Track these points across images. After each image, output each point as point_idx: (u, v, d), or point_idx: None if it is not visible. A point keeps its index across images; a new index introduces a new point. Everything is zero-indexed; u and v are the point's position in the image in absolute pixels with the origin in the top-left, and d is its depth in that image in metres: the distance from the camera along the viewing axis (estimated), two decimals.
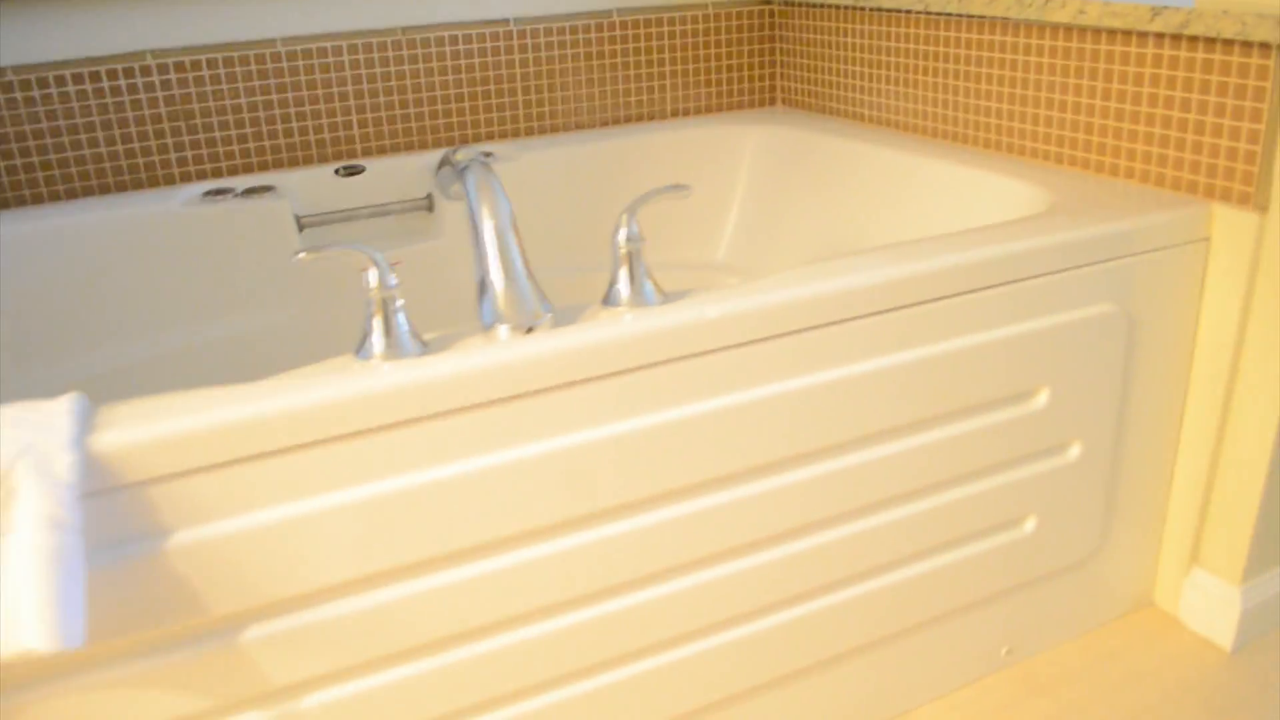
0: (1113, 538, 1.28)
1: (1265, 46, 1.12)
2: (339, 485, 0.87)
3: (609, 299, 0.98)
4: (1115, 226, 1.14)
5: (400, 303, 0.91)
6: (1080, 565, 1.27)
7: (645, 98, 1.85)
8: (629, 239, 0.98)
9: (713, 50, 1.87)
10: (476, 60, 1.71)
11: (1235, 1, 1.18)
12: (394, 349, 0.90)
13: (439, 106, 1.71)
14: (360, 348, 0.90)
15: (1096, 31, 1.30)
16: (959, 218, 1.39)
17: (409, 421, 0.88)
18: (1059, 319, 1.13)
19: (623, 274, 0.98)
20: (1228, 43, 1.16)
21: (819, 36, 1.78)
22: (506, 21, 1.71)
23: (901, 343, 1.05)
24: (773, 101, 1.94)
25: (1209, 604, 1.30)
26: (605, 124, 1.83)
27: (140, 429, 0.80)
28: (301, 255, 0.86)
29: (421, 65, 1.68)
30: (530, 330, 0.93)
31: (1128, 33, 1.27)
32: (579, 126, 1.82)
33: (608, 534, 0.97)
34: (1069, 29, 1.34)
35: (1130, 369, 1.19)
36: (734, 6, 1.85)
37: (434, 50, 1.68)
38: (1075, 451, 1.18)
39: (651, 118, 1.86)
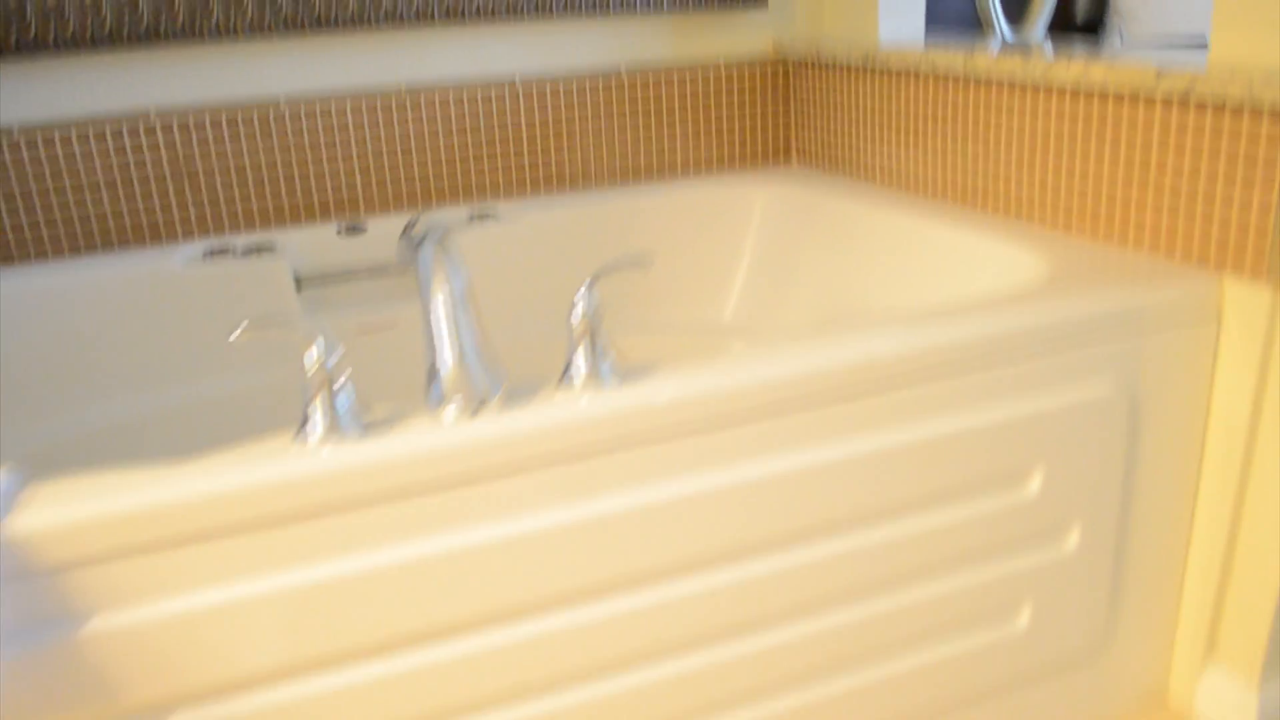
0: (1120, 631, 1.20)
1: (1275, 113, 1.06)
2: (269, 570, 0.84)
3: (565, 378, 0.94)
4: (1117, 302, 1.08)
5: (343, 381, 0.88)
6: (1083, 659, 1.19)
7: (656, 154, 1.82)
8: (587, 314, 0.94)
9: (725, 108, 1.83)
10: (481, 118, 1.70)
11: (1245, 64, 1.12)
12: (334, 430, 0.87)
13: (443, 164, 1.69)
14: (300, 428, 0.87)
15: (1103, 95, 1.25)
16: (959, 286, 1.34)
17: (345, 505, 0.85)
18: (1053, 401, 1.06)
19: (580, 351, 0.94)
20: (1236, 108, 1.10)
21: (831, 95, 1.74)
22: (512, 78, 1.70)
23: (880, 425, 1.00)
24: (788, 158, 1.90)
25: (1224, 705, 1.21)
26: (615, 181, 1.81)
27: (61, 510, 0.78)
28: (238, 333, 0.84)
29: (425, 123, 1.67)
30: (478, 411, 0.89)
31: (1134, 96, 1.21)
32: (587, 183, 1.79)
33: (554, 624, 0.92)
34: (1075, 92, 1.28)
35: (1134, 452, 1.12)
36: (747, 63, 1.82)
37: (438, 108, 1.67)
38: (1074, 539, 1.11)
39: (663, 174, 1.83)
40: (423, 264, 0.93)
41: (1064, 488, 1.09)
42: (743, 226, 1.75)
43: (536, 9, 1.64)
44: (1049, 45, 1.46)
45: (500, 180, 1.74)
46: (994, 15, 1.90)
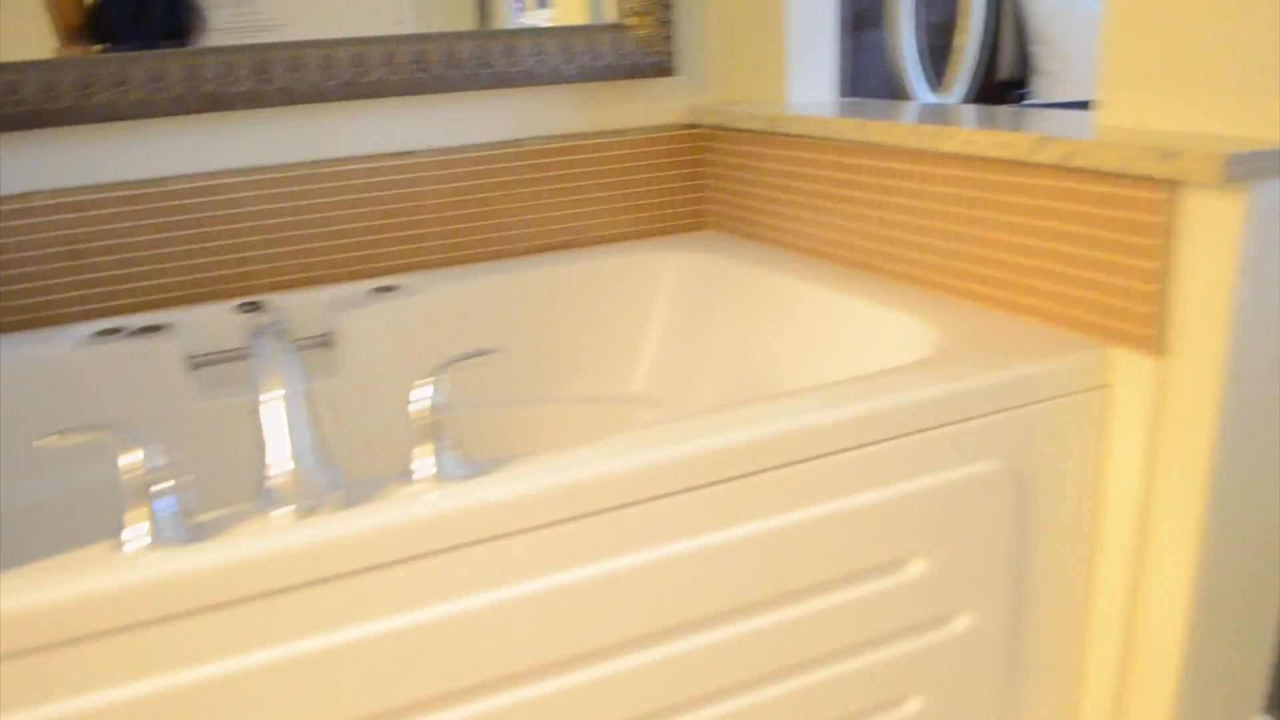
0: (1019, 715, 1.15)
1: (1157, 180, 1.04)
2: (76, 691, 0.78)
3: (407, 474, 0.90)
4: (1000, 375, 1.05)
5: (167, 485, 0.83)
6: None
7: (569, 226, 1.79)
8: (434, 407, 0.90)
9: (639, 176, 1.81)
10: (389, 192, 1.67)
11: (1131, 128, 1.11)
12: (155, 536, 0.82)
13: (349, 240, 1.66)
14: (119, 535, 0.82)
15: (992, 161, 1.23)
16: (852, 356, 1.30)
17: (163, 617, 0.80)
18: (938, 478, 1.03)
19: (424, 447, 0.89)
20: (1118, 174, 1.08)
21: (741, 161, 1.72)
22: (417, 153, 1.67)
23: (748, 512, 0.95)
24: (703, 226, 1.87)
25: None
26: (525, 253, 1.78)
27: None
28: (44, 442, 0.79)
29: (331, 198, 1.64)
30: (311, 513, 0.85)
31: (1021, 162, 1.19)
32: (497, 256, 1.76)
33: None
34: (967, 158, 1.26)
35: (1024, 530, 1.09)
36: (659, 132, 1.80)
37: (343, 184, 1.64)
38: (962, 623, 1.07)
39: (577, 246, 1.80)
40: (258, 357, 0.89)
41: (949, 570, 1.04)
42: (653, 295, 1.72)
43: (435, 85, 1.61)
44: (964, 108, 1.44)
45: (410, 254, 1.70)
46: (908, 79, 1.89)
